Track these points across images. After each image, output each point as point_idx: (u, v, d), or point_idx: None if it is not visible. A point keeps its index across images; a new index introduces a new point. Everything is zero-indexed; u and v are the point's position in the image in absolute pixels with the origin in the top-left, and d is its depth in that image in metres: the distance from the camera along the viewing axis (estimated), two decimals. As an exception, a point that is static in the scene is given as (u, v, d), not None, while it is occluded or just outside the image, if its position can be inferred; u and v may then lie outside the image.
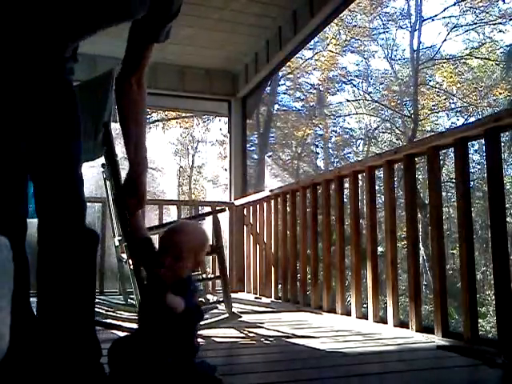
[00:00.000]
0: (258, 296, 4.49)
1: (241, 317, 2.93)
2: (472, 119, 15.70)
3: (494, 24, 15.92)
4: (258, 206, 4.63)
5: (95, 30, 1.43)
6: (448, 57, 16.96)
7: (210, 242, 1.56)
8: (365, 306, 3.10)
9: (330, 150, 19.16)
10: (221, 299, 3.04)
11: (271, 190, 4.45)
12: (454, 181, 8.35)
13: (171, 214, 7.24)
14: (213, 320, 2.77)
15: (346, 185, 3.44)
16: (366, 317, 2.99)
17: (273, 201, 4.36)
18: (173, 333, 1.34)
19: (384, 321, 2.83)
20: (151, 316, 1.37)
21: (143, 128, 1.61)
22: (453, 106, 16.94)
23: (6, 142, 1.31)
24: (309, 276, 3.89)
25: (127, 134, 1.58)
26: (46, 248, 1.38)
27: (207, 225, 4.95)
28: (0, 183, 1.29)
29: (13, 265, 1.24)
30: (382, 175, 3.11)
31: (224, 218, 5.08)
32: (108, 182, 3.08)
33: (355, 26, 16.73)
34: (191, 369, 1.36)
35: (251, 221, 4.77)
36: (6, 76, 1.31)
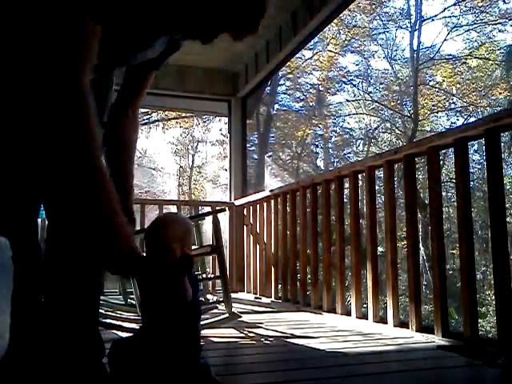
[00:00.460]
0: (258, 296, 4.49)
1: (241, 317, 2.93)
2: (472, 119, 15.71)
3: (494, 24, 15.93)
4: (258, 205, 4.63)
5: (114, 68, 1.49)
6: (448, 57, 16.97)
7: (192, 224, 1.55)
8: (365, 306, 3.10)
9: (330, 150, 19.18)
10: (221, 299, 3.04)
11: (271, 190, 4.45)
12: (454, 181, 8.35)
13: (171, 214, 7.24)
14: (213, 320, 2.78)
15: (346, 185, 3.44)
16: (366, 317, 2.99)
17: (273, 201, 4.36)
18: (178, 329, 1.33)
19: (384, 321, 2.83)
20: (157, 309, 1.35)
21: (133, 158, 1.60)
22: (453, 105, 16.96)
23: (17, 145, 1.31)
24: (309, 276, 3.89)
25: (116, 163, 1.56)
26: (54, 246, 1.38)
27: (207, 225, 4.94)
28: (12, 185, 1.28)
29: (13, 265, 1.24)
30: (382, 175, 3.11)
31: (224, 218, 5.08)
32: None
33: (355, 26, 16.73)
34: (192, 369, 1.36)
35: (251, 221, 4.77)
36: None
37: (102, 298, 3.71)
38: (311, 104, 18.08)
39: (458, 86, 16.63)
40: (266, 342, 2.51)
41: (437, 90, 16.87)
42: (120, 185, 1.53)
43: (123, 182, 1.55)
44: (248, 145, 6.86)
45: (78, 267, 1.36)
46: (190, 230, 1.44)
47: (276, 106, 17.86)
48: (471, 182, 2.78)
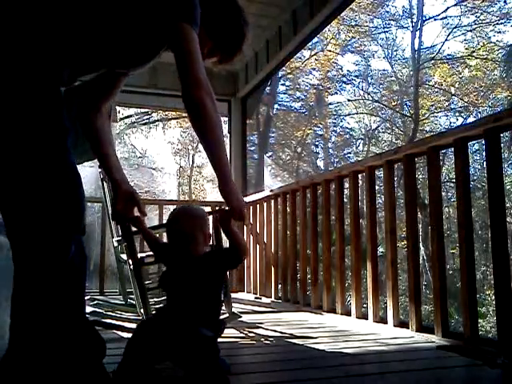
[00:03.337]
0: (258, 296, 4.48)
1: (241, 317, 2.93)
2: (472, 119, 15.71)
3: (495, 24, 15.93)
4: (258, 205, 4.63)
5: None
6: (448, 57, 16.96)
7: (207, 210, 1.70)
8: (365, 306, 3.10)
9: (330, 150, 19.17)
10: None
11: (271, 190, 4.45)
12: (454, 181, 8.35)
13: (171, 214, 7.22)
14: (213, 320, 2.77)
15: (346, 185, 3.44)
16: (365, 317, 2.99)
17: (273, 201, 4.36)
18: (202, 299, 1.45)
19: (384, 321, 2.83)
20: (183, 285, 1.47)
21: (115, 147, 1.70)
22: (453, 105, 16.95)
23: None
24: (309, 276, 3.89)
25: (106, 155, 1.64)
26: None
27: (207, 225, 4.93)
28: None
29: (12, 265, 1.24)
30: (381, 175, 3.11)
31: (224, 217, 5.07)
32: (105, 184, 3.07)
33: (355, 25, 16.73)
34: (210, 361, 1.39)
35: (251, 221, 4.76)
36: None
37: (101, 298, 3.73)
38: (311, 104, 18.07)
39: (458, 86, 16.62)
40: (266, 342, 2.51)
41: (437, 89, 16.87)
42: (118, 176, 1.65)
43: (118, 173, 1.65)
44: (248, 145, 6.84)
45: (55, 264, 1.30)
46: (207, 218, 1.59)
47: (276, 106, 17.86)
48: (471, 182, 2.78)
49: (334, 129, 18.87)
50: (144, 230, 1.63)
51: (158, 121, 17.03)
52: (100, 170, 2.97)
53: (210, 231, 1.56)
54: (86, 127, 1.63)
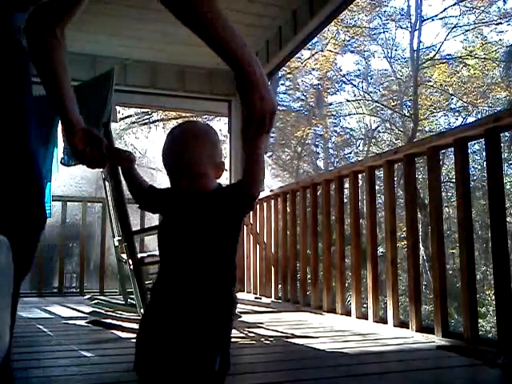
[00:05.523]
0: (258, 296, 4.48)
1: (241, 317, 2.93)
2: (471, 119, 15.71)
3: (494, 24, 15.94)
4: (257, 205, 4.63)
5: None
6: (448, 57, 16.97)
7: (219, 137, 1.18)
8: (365, 305, 3.10)
9: (330, 150, 19.17)
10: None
11: (271, 190, 4.45)
12: (454, 181, 8.37)
13: (171, 214, 7.24)
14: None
15: (346, 185, 3.44)
16: (365, 317, 2.99)
17: (273, 201, 4.36)
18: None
19: (384, 321, 2.83)
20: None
21: (69, 79, 1.33)
22: (452, 105, 16.96)
23: None
24: (309, 276, 3.89)
25: (62, 89, 1.29)
26: None
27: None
28: None
29: (13, 264, 1.23)
30: (382, 175, 3.11)
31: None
32: (107, 183, 3.08)
33: (354, 25, 16.74)
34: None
35: (251, 221, 4.76)
36: None
37: (101, 298, 3.73)
38: (311, 104, 18.08)
39: (458, 85, 16.63)
40: (266, 342, 2.51)
41: (437, 89, 16.87)
42: (77, 116, 1.29)
43: (76, 113, 1.31)
44: (248, 145, 6.85)
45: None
46: (216, 141, 1.13)
47: (276, 106, 17.80)
48: (471, 182, 2.78)
49: (334, 129, 18.87)
50: (130, 169, 1.22)
51: (157, 121, 17.02)
52: (102, 170, 2.97)
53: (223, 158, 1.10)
54: (33, 45, 1.28)
